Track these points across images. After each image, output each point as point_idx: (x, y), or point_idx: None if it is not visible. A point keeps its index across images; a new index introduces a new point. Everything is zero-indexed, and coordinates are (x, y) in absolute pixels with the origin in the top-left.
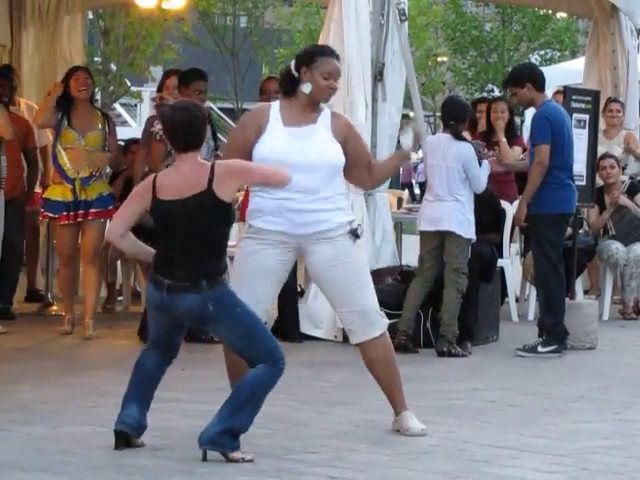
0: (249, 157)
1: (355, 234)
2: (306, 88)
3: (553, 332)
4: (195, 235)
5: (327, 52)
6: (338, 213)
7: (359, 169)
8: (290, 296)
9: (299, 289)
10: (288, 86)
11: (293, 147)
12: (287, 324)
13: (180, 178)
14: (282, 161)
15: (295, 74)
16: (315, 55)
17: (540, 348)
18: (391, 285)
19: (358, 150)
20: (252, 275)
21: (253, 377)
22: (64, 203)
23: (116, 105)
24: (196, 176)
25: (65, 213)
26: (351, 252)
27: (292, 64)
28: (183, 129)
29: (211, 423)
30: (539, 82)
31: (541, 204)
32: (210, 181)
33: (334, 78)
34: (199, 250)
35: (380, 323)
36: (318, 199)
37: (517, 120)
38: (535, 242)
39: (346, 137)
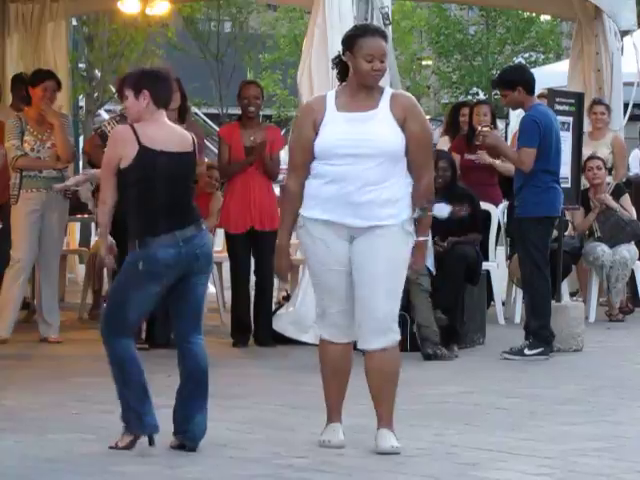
0: (311, 154)
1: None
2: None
3: (539, 335)
4: (179, 187)
5: (369, 31)
6: (398, 208)
7: (410, 159)
8: (263, 300)
9: (285, 294)
10: (341, 73)
11: (347, 135)
12: (259, 329)
13: (164, 131)
14: (333, 151)
15: (344, 59)
16: (356, 38)
17: (527, 351)
18: None
19: (410, 138)
20: (319, 269)
21: (203, 361)
22: None
23: (101, 111)
24: (180, 135)
25: None
26: (396, 252)
27: (341, 49)
28: (165, 84)
29: (198, 418)
30: (530, 85)
31: (526, 207)
32: (193, 144)
33: (379, 58)
34: (182, 200)
35: (387, 337)
36: (376, 190)
37: (501, 123)
38: (520, 245)
39: (405, 118)
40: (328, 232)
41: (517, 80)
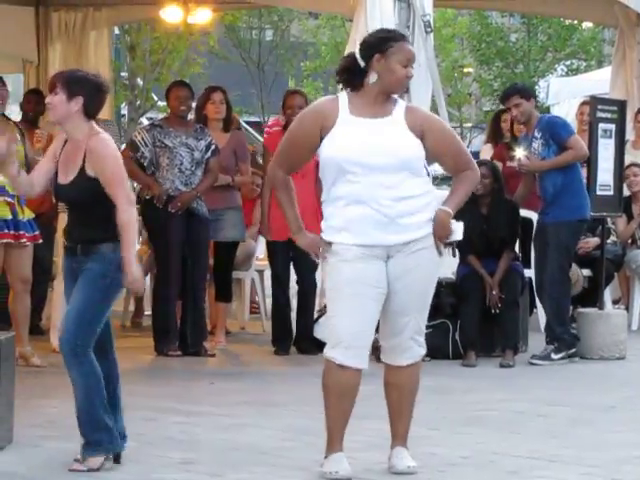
0: (310, 154)
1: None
2: (373, 78)
3: (565, 339)
4: None
5: (403, 37)
6: (423, 218)
7: (448, 168)
8: (306, 308)
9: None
10: (354, 78)
11: (365, 143)
12: (301, 336)
13: None
14: (350, 160)
15: (362, 64)
16: (389, 40)
17: (553, 355)
18: None
19: (441, 148)
20: (349, 290)
21: None
22: (3, 221)
23: (143, 119)
24: None
25: (6, 231)
26: (427, 270)
27: (357, 53)
28: (102, 97)
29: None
30: (536, 102)
31: (567, 210)
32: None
33: (412, 65)
34: None
35: (412, 353)
36: (399, 201)
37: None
38: (554, 249)
39: (423, 131)
40: (364, 254)
41: (531, 92)
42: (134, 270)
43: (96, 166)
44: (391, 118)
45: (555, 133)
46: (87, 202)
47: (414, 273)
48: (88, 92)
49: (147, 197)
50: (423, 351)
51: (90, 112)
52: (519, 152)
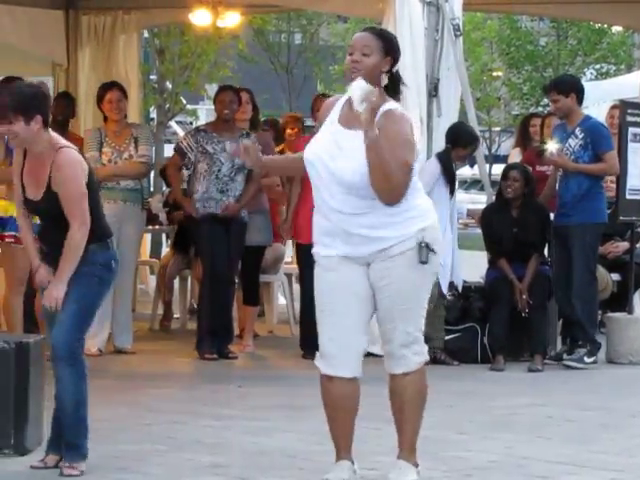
0: None
1: (427, 248)
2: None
3: (596, 343)
4: None
5: (362, 30)
6: (398, 226)
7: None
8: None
9: None
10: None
11: (328, 151)
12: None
13: None
14: (316, 166)
15: None
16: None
17: (586, 359)
18: (449, 301)
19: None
20: (328, 295)
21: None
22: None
23: (172, 123)
24: None
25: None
26: (406, 274)
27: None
28: (49, 102)
29: None
30: (581, 96)
31: (591, 213)
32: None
33: (357, 49)
34: None
35: (404, 361)
36: (364, 213)
37: None
38: (580, 252)
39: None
40: (340, 262)
41: (572, 87)
42: (60, 288)
43: (56, 182)
44: (359, 131)
45: (597, 142)
46: (61, 215)
47: (392, 278)
48: (40, 106)
49: None
50: (420, 359)
51: (47, 122)
52: (552, 145)
